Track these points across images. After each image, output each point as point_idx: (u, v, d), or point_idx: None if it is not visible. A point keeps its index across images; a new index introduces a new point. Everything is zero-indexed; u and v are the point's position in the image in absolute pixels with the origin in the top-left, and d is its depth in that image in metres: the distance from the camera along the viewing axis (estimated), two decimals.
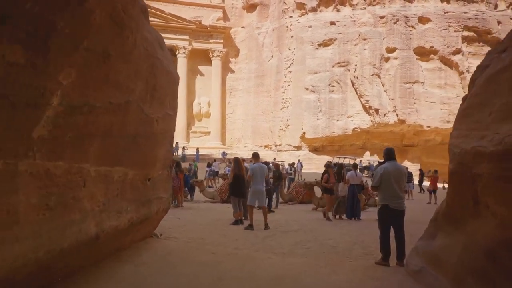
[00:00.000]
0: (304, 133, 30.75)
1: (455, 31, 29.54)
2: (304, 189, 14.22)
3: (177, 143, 31.41)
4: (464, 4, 30.30)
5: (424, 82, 29.54)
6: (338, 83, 30.32)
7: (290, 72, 32.10)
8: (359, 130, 30.44)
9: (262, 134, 34.40)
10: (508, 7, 31.12)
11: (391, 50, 29.58)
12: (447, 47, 29.41)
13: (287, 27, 32.83)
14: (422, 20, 29.80)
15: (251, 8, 36.79)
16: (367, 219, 10.44)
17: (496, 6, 30.98)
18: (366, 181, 13.94)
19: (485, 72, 3.69)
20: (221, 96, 36.13)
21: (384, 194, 5.21)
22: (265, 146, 33.97)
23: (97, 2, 2.79)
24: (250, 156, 9.23)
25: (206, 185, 18.39)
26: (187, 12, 35.36)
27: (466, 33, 29.57)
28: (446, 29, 29.49)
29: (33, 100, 2.44)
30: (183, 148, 30.47)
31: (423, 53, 29.61)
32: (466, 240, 3.49)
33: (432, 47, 29.46)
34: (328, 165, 11.41)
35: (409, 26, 29.62)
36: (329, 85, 30.29)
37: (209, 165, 21.47)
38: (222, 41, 36.23)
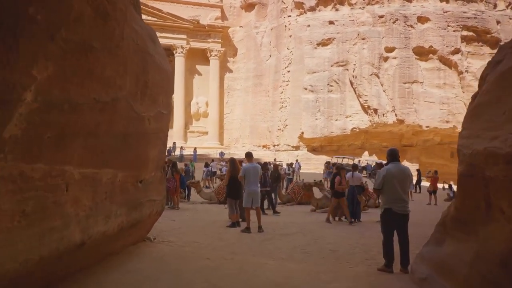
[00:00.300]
0: (302, 133, 30.54)
1: (454, 31, 29.38)
2: (303, 190, 13.98)
3: (174, 143, 31.29)
4: (463, 4, 30.14)
5: (423, 82, 29.37)
6: (337, 83, 30.11)
7: (289, 71, 31.88)
8: (357, 130, 30.25)
9: (260, 134, 34.16)
10: (507, 6, 30.98)
11: (390, 49, 29.40)
12: (446, 46, 29.25)
13: (285, 26, 32.61)
14: (421, 19, 29.63)
15: (249, 7, 36.56)
16: (367, 220, 10.21)
17: (495, 6, 30.84)
18: (366, 181, 13.71)
19: (497, 68, 3.46)
20: (219, 96, 35.89)
21: (387, 197, 4.96)
22: (263, 146, 33.74)
23: None
24: (245, 158, 8.95)
25: (203, 185, 18.12)
26: (185, 11, 35.10)
27: (465, 33, 29.41)
28: (445, 29, 29.33)
29: (1, 96, 2.18)
30: (181, 148, 30.23)
31: (422, 53, 29.44)
32: (478, 247, 3.26)
33: (431, 46, 29.29)
34: (340, 167, 10.83)
35: (408, 25, 29.45)
36: (328, 84, 30.08)
37: (206, 165, 21.21)
38: (220, 40, 36.00)
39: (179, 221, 9.15)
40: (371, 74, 29.27)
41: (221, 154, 29.88)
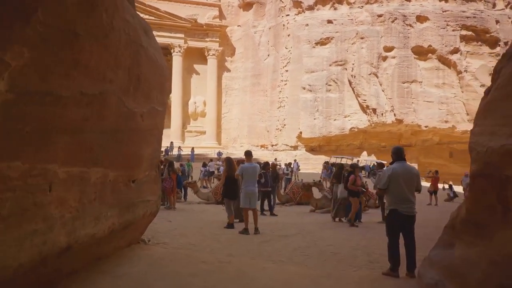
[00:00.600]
0: (300, 132, 30.32)
1: (453, 30, 29.21)
2: (302, 190, 13.76)
3: (171, 142, 31.02)
4: (462, 3, 29.97)
5: (422, 82, 29.18)
6: (335, 82, 29.90)
7: (287, 71, 31.64)
8: (356, 130, 30.05)
9: (258, 134, 33.92)
10: (506, 6, 30.84)
11: (388, 49, 29.20)
12: (445, 46, 29.07)
13: (283, 25, 32.37)
14: (420, 18, 29.44)
15: (247, 6, 36.31)
16: (368, 221, 9.99)
17: (494, 5, 30.69)
18: (366, 181, 13.50)
19: None
20: (216, 95, 35.64)
21: (393, 197, 4.73)
22: (261, 146, 33.50)
23: None
24: (245, 156, 8.67)
25: (200, 185, 17.87)
26: (183, 10, 34.84)
27: (464, 32, 29.24)
28: (444, 28, 29.16)
29: None
30: (179, 148, 29.98)
31: (421, 52, 29.26)
32: (494, 253, 3.03)
33: (430, 46, 29.11)
34: (354, 166, 10.40)
35: (407, 24, 29.26)
36: (326, 84, 29.87)
37: (204, 165, 20.96)
38: (218, 39, 35.75)
39: (175, 222, 8.90)
40: (369, 74, 29.07)
41: (219, 154, 29.65)
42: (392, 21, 29.26)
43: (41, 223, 2.87)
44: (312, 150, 31.14)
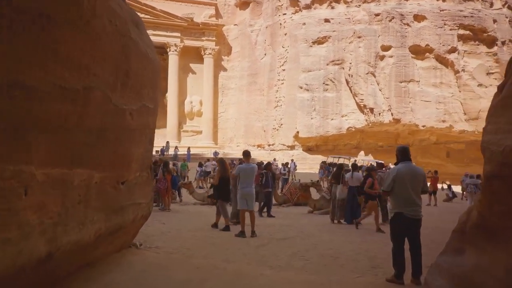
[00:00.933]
0: (297, 132, 30.08)
1: (450, 30, 29.08)
2: (300, 191, 13.51)
3: (167, 142, 30.69)
4: (459, 2, 29.85)
5: (419, 81, 29.02)
6: (333, 82, 29.69)
7: (284, 70, 31.40)
8: (353, 129, 29.86)
9: (255, 134, 33.65)
10: (503, 5, 30.76)
11: (386, 48, 29.02)
12: (443, 45, 28.94)
13: (280, 24, 32.12)
14: (418, 18, 29.28)
15: (244, 5, 36.03)
16: (368, 222, 9.75)
17: (491, 5, 30.59)
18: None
19: None
20: (213, 95, 35.33)
21: (398, 200, 4.47)
22: (258, 146, 33.23)
23: None
24: (243, 156, 8.41)
25: (196, 186, 17.58)
26: (179, 9, 34.50)
27: (461, 32, 29.10)
28: (441, 27, 29.02)
29: None
30: (175, 147, 29.68)
31: (419, 52, 29.11)
32: (511, 260, 2.79)
33: (427, 45, 28.96)
34: (371, 168, 9.94)
35: (404, 24, 29.10)
36: (323, 83, 29.65)
37: (200, 165, 20.67)
38: (214, 38, 35.44)
39: (169, 224, 8.62)
40: (367, 73, 28.88)
41: (215, 153, 29.38)
42: (390, 20, 29.09)
43: (15, 231, 2.59)
44: (309, 149, 30.92)
